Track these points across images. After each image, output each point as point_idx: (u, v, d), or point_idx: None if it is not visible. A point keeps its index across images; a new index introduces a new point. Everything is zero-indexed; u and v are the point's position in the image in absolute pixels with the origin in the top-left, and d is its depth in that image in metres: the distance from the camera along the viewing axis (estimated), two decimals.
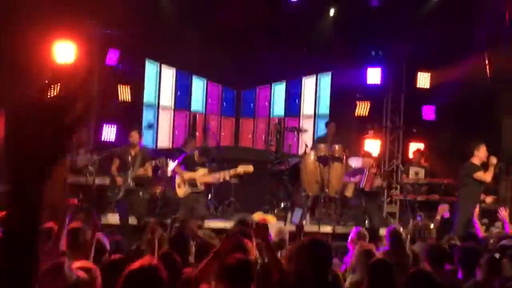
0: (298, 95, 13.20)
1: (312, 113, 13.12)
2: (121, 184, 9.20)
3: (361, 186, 10.15)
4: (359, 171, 10.44)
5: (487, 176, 9.05)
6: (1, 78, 10.19)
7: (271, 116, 13.19)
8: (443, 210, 7.23)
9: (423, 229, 6.71)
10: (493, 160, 9.03)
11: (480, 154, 9.09)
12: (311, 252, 3.98)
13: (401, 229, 6.46)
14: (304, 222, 10.19)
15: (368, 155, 10.67)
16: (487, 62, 11.62)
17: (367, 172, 10.12)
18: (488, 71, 11.62)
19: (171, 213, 10.35)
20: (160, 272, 3.36)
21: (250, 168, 9.85)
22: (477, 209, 7.82)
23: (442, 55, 11.83)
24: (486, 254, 5.10)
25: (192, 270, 4.26)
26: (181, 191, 9.58)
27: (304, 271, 3.92)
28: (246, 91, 13.27)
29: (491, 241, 6.88)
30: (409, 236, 6.83)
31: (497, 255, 5.17)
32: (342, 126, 11.98)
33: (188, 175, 9.54)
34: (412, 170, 11.46)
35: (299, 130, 12.18)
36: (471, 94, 11.32)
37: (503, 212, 7.57)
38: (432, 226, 7.08)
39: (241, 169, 9.84)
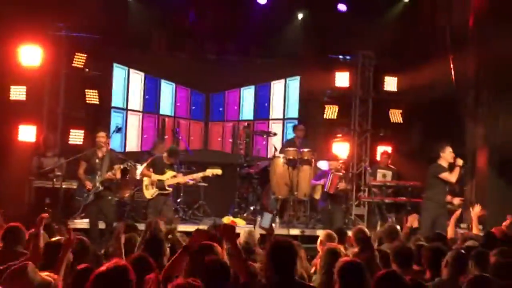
0: (267, 99, 13.26)
1: (281, 116, 13.19)
2: (90, 188, 9.09)
3: (325, 189, 10.29)
4: (324, 174, 10.56)
5: (452, 177, 9.17)
6: None
7: (240, 119, 13.21)
8: (413, 220, 7.24)
9: (392, 231, 6.77)
10: (459, 161, 9.18)
11: (445, 155, 9.22)
12: (273, 254, 4.01)
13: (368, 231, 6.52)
14: (274, 226, 10.24)
15: (334, 158, 10.77)
16: (451, 65, 11.83)
17: (331, 175, 10.25)
18: (452, 74, 11.83)
19: (140, 217, 10.29)
20: (129, 273, 3.35)
21: (218, 171, 9.87)
22: (457, 212, 7.87)
23: (409, 59, 12.02)
24: (452, 252, 5.16)
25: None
26: (149, 193, 9.53)
27: (270, 274, 3.95)
28: (215, 94, 13.26)
29: (458, 242, 7.00)
30: (376, 239, 6.90)
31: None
32: (311, 129, 12.08)
33: (156, 177, 9.50)
34: (380, 173, 11.60)
35: (268, 134, 12.23)
36: (437, 97, 11.52)
37: (477, 209, 7.62)
38: (398, 227, 7.15)
39: (209, 172, 9.86)
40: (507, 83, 10.61)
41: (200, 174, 9.95)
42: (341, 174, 10.39)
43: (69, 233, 4.58)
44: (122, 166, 9.24)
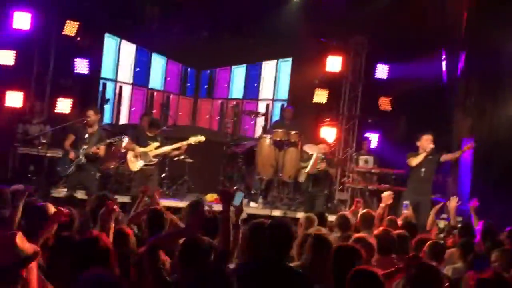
0: (257, 79, 13.18)
1: (271, 97, 13.14)
2: (73, 158, 8.89)
3: (307, 170, 10.33)
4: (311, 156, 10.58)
5: (412, 161, 9.08)
6: None
7: (229, 98, 13.15)
8: (388, 198, 7.21)
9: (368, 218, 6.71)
10: (428, 147, 9.01)
11: (421, 143, 9.09)
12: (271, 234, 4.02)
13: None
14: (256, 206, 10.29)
15: (321, 142, 10.77)
16: (443, 56, 11.84)
17: (314, 157, 10.27)
18: (444, 65, 11.85)
19: (123, 190, 10.27)
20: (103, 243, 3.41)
21: (201, 138, 9.79)
22: (437, 206, 7.83)
23: (401, 48, 11.99)
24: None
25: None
26: (134, 165, 9.48)
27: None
28: (205, 71, 13.17)
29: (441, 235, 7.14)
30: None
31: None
32: (300, 112, 12.05)
33: (140, 149, 9.45)
34: (361, 159, 11.65)
35: (256, 114, 12.19)
36: (427, 87, 11.55)
37: (453, 202, 7.65)
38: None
39: (192, 140, 9.77)
40: (495, 75, 10.65)
41: (184, 143, 9.77)
42: (322, 155, 10.39)
43: (59, 210, 4.40)
44: (108, 141, 9.04)
